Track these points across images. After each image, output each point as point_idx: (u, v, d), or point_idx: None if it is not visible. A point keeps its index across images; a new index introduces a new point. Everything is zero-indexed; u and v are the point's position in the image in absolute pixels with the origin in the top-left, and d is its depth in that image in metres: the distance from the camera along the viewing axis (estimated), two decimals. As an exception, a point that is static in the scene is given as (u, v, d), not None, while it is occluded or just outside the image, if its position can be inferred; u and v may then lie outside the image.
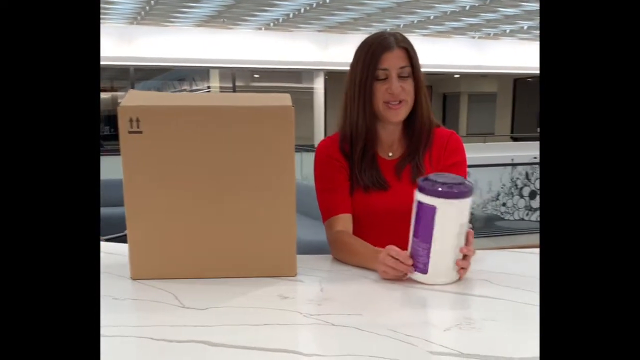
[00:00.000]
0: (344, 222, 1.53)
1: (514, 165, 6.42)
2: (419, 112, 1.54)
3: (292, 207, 1.29)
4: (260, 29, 10.54)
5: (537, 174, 6.37)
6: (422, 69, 1.53)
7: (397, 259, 1.24)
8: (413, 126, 1.56)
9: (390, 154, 1.58)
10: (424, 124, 1.56)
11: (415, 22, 10.11)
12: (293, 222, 1.29)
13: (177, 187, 1.26)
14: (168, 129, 1.24)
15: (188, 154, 1.25)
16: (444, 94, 15.88)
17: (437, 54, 11.10)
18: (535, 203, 6.37)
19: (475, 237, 1.50)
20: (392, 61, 1.47)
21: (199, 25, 10.13)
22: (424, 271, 1.21)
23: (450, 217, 1.19)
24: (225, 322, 1.04)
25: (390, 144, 1.58)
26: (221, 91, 11.62)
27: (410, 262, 1.23)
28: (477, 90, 16.12)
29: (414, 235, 1.21)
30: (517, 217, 6.37)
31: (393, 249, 1.25)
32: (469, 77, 14.76)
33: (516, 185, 6.33)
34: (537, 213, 6.37)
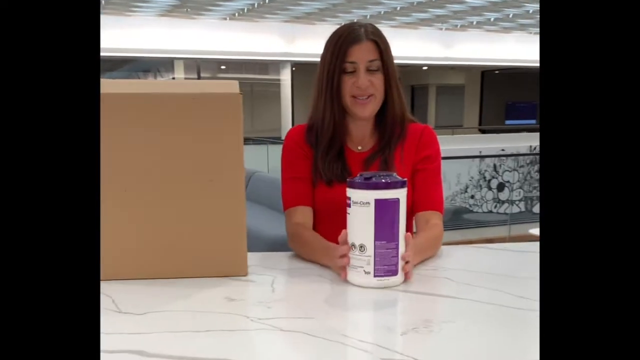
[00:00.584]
0: (304, 214, 1.48)
1: (482, 157, 6.44)
2: (390, 106, 1.49)
3: (241, 202, 1.20)
4: (225, 19, 10.38)
5: (504, 166, 6.41)
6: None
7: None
8: (384, 121, 1.50)
9: (360, 148, 1.53)
10: (396, 119, 1.51)
11: (382, 12, 10.07)
12: (243, 218, 1.21)
13: (116, 182, 1.16)
14: (108, 118, 1.13)
15: (128, 145, 1.16)
16: (412, 86, 15.88)
17: (404, 46, 11.07)
18: (504, 195, 6.40)
19: (444, 230, 1.47)
20: (361, 54, 1.41)
21: (162, 15, 9.93)
22: (395, 272, 1.14)
23: (404, 207, 1.14)
24: (163, 329, 0.96)
25: (360, 137, 1.53)
26: (186, 83, 11.41)
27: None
28: (445, 83, 16.18)
29: (376, 239, 1.12)
30: (485, 210, 6.39)
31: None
32: (437, 69, 14.79)
33: (484, 177, 6.35)
34: (505, 205, 6.41)
